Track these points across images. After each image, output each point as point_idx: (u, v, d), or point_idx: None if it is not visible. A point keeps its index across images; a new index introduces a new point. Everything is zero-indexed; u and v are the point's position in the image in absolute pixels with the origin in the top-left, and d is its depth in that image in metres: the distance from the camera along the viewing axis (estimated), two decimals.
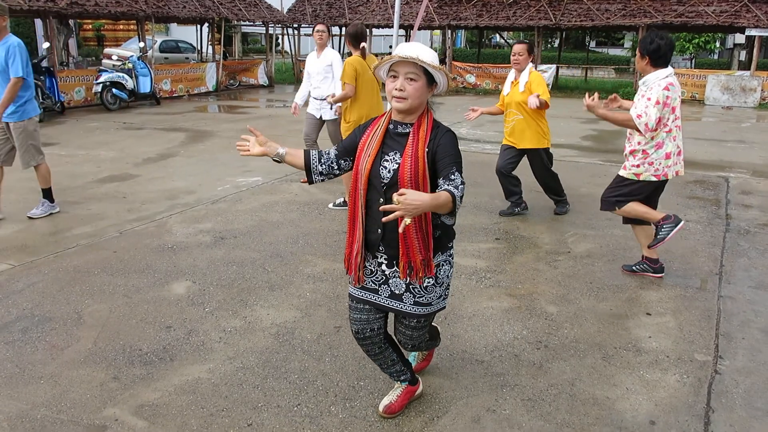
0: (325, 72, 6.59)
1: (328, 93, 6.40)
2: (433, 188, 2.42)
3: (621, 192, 4.49)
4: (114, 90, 13.97)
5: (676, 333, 3.79)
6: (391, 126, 2.51)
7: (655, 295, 4.34)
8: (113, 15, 15.55)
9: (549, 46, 36.63)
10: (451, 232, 2.64)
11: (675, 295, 4.33)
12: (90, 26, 28.55)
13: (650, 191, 4.46)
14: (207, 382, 3.18)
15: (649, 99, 4.15)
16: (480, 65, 20.41)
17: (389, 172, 2.45)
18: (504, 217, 6.08)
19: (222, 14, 18.61)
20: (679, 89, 4.36)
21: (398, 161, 2.43)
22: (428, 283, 2.57)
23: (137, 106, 14.97)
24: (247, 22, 21.34)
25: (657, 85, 4.17)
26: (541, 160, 5.96)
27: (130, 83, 14.26)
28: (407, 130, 2.47)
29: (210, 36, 19.91)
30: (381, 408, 2.91)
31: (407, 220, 2.10)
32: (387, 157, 2.47)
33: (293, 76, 22.83)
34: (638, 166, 4.36)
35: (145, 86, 14.77)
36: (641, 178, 4.37)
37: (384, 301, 2.63)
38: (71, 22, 18.68)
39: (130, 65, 14.60)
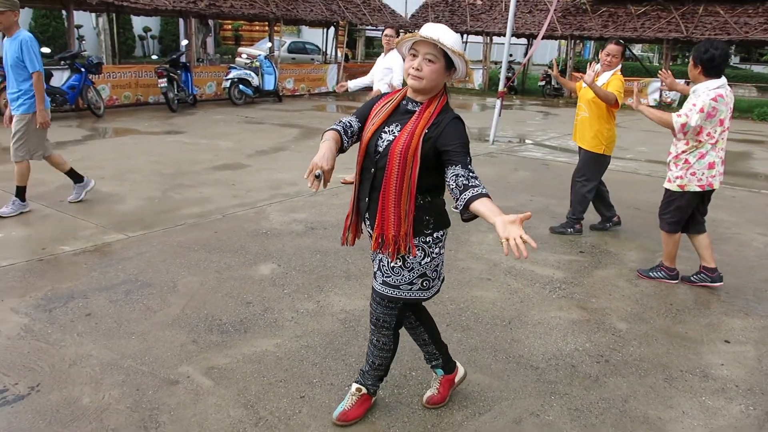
0: (383, 74, 6.89)
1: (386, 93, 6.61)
2: (428, 169, 2.43)
3: (671, 209, 4.54)
4: (241, 86, 14.95)
5: (753, 364, 3.61)
6: (403, 102, 2.54)
7: (739, 323, 4.14)
8: (246, 16, 16.61)
9: (685, 60, 34.63)
10: (437, 220, 2.57)
11: (763, 326, 4.10)
12: (229, 26, 30.50)
13: (697, 201, 4.51)
14: (272, 355, 3.45)
15: (694, 104, 4.18)
16: None
17: (384, 142, 2.47)
18: (595, 230, 5.97)
19: (347, 18, 19.32)
20: (731, 101, 4.30)
21: (396, 134, 2.46)
22: (395, 264, 2.57)
23: (261, 102, 15.90)
24: (371, 27, 21.96)
25: (705, 94, 4.17)
26: (586, 163, 5.71)
27: (255, 80, 15.19)
28: (416, 108, 2.49)
29: (335, 39, 20.71)
30: (424, 400, 3.03)
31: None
32: (387, 129, 2.49)
33: None
34: (681, 177, 4.38)
35: (269, 84, 15.68)
36: (686, 189, 4.43)
37: (373, 277, 2.72)
38: (210, 22, 20.15)
39: (257, 64, 15.56)
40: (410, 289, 2.62)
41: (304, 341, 3.62)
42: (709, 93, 4.19)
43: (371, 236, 2.60)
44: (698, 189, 4.42)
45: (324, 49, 22.48)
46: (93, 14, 20.54)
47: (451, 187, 2.34)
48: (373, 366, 2.88)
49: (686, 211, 4.53)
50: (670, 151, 4.54)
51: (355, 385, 2.92)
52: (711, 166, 4.36)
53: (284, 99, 16.68)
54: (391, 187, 2.46)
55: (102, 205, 6.13)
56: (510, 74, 16.92)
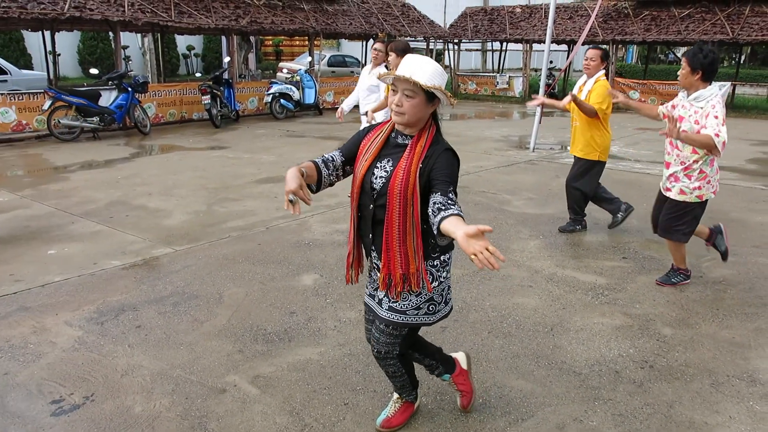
0: (369, 90, 6.60)
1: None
2: (424, 204, 2.37)
3: (687, 219, 4.42)
4: (282, 101, 15.22)
5: None
6: (392, 134, 2.50)
7: None
8: (287, 32, 16.90)
9: (732, 61, 33.70)
10: (447, 247, 2.54)
11: None
12: (270, 42, 31.09)
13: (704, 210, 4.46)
14: (316, 363, 3.51)
15: (716, 117, 4.01)
16: (645, 82, 19.39)
17: (378, 180, 2.43)
18: (564, 233, 6.01)
19: (386, 30, 19.46)
20: None
21: (389, 170, 2.41)
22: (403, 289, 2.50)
23: (301, 115, 16.15)
24: (410, 38, 22.08)
25: (717, 102, 4.05)
26: (580, 170, 5.78)
27: (296, 95, 15.44)
28: (406, 142, 2.45)
29: None
30: (460, 406, 3.02)
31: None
32: (380, 164, 2.45)
33: (450, 90, 23.22)
34: (700, 187, 4.28)
35: (309, 98, 15.92)
36: (704, 198, 4.33)
37: (374, 305, 2.66)
38: (252, 38, 20.58)
39: (298, 78, 15.83)
40: (416, 314, 2.56)
41: (347, 349, 3.67)
42: (719, 99, 4.07)
43: (378, 269, 2.56)
44: (712, 196, 4.36)
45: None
46: (139, 35, 21.21)
47: (429, 213, 2.25)
48: (398, 387, 2.89)
49: (699, 219, 4.49)
50: (669, 161, 4.39)
51: (395, 394, 2.95)
52: (718, 170, 4.34)
53: (324, 112, 16.90)
54: (393, 226, 2.40)
55: (149, 220, 6.33)
56: (550, 81, 16.76)
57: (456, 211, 2.15)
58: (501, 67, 24.40)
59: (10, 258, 5.19)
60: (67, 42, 22.64)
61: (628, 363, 3.53)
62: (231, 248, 5.49)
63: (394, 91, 2.38)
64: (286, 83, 15.56)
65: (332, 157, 2.56)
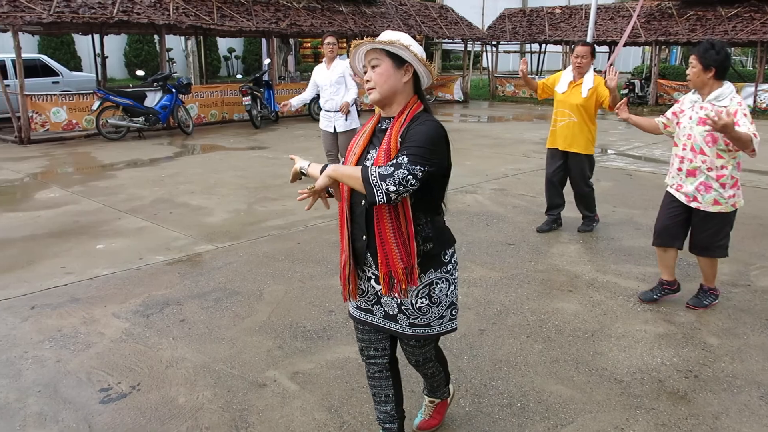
0: (337, 83, 6.55)
1: (340, 103, 6.44)
2: (417, 193, 2.18)
3: (726, 231, 4.12)
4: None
5: None
6: (379, 124, 2.35)
7: None
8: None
9: None
10: (446, 242, 2.39)
11: None
12: (309, 44, 31.39)
13: None
14: (354, 361, 3.54)
15: (745, 115, 3.73)
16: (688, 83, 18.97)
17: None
18: (542, 233, 6.01)
19: (423, 32, 19.47)
20: None
21: (375, 156, 2.24)
22: (422, 303, 2.35)
23: None
24: (448, 40, 22.05)
25: (742, 100, 3.85)
26: (584, 166, 5.84)
27: None
28: (389, 126, 2.26)
29: None
30: (416, 424, 2.92)
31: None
32: (369, 155, 2.29)
33: (488, 92, 23.10)
34: (734, 195, 3.97)
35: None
36: (737, 206, 4.05)
37: (380, 322, 2.46)
38: (291, 40, 20.82)
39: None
40: (441, 323, 2.43)
41: None
42: (740, 99, 3.84)
43: (368, 280, 2.41)
44: (743, 201, 4.07)
45: None
46: (182, 38, 21.68)
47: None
48: (433, 388, 2.86)
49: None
50: (692, 168, 3.99)
51: (427, 398, 2.92)
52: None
53: (361, 113, 16.94)
54: (384, 215, 2.21)
55: (192, 218, 6.47)
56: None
57: (363, 166, 2.12)
58: (540, 69, 24.16)
59: (61, 251, 5.37)
60: (115, 45, 23.26)
61: (671, 372, 3.48)
62: (271, 246, 5.57)
63: (365, 70, 2.28)
64: None
65: (342, 161, 2.49)
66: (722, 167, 3.91)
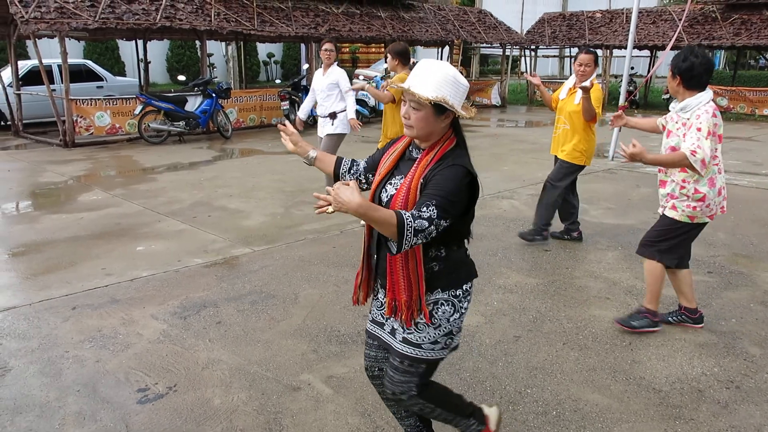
0: (329, 90, 6.47)
1: (331, 110, 6.37)
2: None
3: (670, 238, 3.82)
4: (357, 107, 15.39)
5: None
6: (409, 149, 2.32)
7: None
8: (364, 39, 17.14)
9: None
10: (460, 269, 2.30)
11: None
12: (347, 49, 31.59)
13: (697, 234, 3.85)
14: None
15: (699, 129, 3.47)
16: (734, 88, 18.48)
17: (388, 196, 2.24)
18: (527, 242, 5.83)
19: (462, 37, 19.42)
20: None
21: (398, 185, 2.22)
22: (420, 319, 2.26)
23: (377, 121, 16.26)
24: (486, 45, 21.93)
25: (704, 112, 3.51)
26: (560, 169, 5.64)
27: (371, 101, 15.61)
28: (418, 156, 2.24)
29: (449, 57, 20.86)
30: None
31: (329, 209, 1.98)
32: (392, 180, 2.27)
33: (527, 97, 22.88)
34: (694, 208, 3.70)
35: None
36: (696, 221, 3.75)
37: (385, 336, 2.42)
38: None
39: (373, 85, 15.98)
40: (433, 349, 2.31)
41: None
42: (707, 109, 3.52)
43: (384, 298, 2.37)
44: (707, 220, 3.77)
45: None
46: (223, 43, 22.03)
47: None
48: (456, 425, 2.57)
49: (688, 243, 3.91)
50: (665, 180, 3.84)
51: None
52: (720, 192, 3.73)
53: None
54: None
55: (230, 221, 6.55)
56: (632, 88, 16.25)
57: (399, 211, 1.99)
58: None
59: (102, 253, 5.50)
60: (157, 50, 23.76)
61: (712, 382, 3.38)
62: (307, 250, 5.60)
63: (403, 101, 2.19)
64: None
65: (357, 162, 2.52)
66: (684, 180, 3.70)
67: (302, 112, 7.03)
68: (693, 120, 3.55)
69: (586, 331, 3.99)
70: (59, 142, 11.72)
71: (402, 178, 2.23)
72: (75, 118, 11.64)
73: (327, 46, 6.47)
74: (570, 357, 3.65)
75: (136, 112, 11.74)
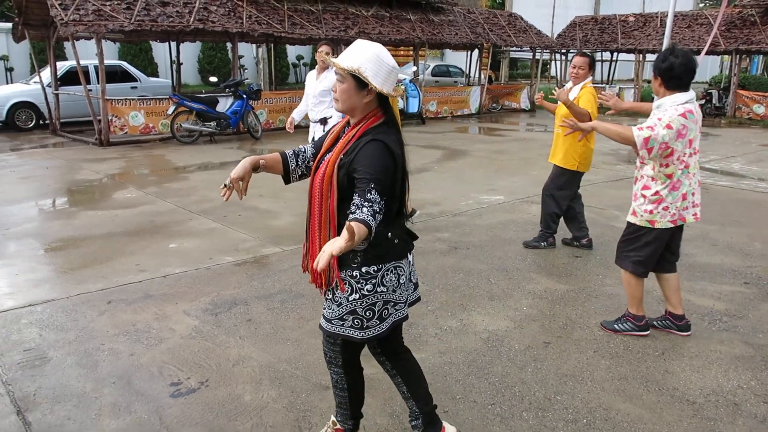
0: (321, 96, 6.06)
1: (323, 116, 6.09)
2: (347, 199, 2.21)
3: (638, 246, 3.84)
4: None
5: None
6: (346, 127, 2.42)
7: None
8: (393, 42, 17.17)
9: None
10: (366, 254, 2.32)
11: None
12: None
13: (668, 238, 3.81)
14: None
15: (659, 119, 3.51)
16: None
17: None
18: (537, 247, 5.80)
19: (491, 40, 19.35)
20: (700, 119, 3.62)
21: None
22: (328, 295, 2.42)
23: (405, 124, 16.30)
24: (515, 48, 21.81)
25: (672, 109, 3.52)
26: (556, 176, 5.61)
27: (400, 103, 15.63)
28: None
29: (479, 61, 20.81)
30: None
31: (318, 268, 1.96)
32: (326, 156, 2.37)
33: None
34: (651, 212, 3.71)
35: (413, 107, 16.08)
36: (657, 225, 3.73)
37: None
38: None
39: (402, 87, 16.01)
40: (342, 325, 2.40)
41: (448, 358, 3.68)
42: (677, 108, 3.51)
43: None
44: (671, 225, 3.73)
45: (467, 72, 22.65)
46: (253, 45, 22.28)
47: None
48: (336, 403, 2.75)
49: (657, 250, 3.84)
50: (636, 177, 3.88)
51: (332, 416, 2.83)
52: (684, 197, 3.68)
53: (427, 121, 17.00)
54: (315, 219, 2.35)
55: (259, 220, 6.63)
56: None
57: (356, 217, 2.05)
58: (611, 78, 23.58)
59: (136, 250, 5.60)
60: (190, 52, 24.12)
61: (749, 396, 3.32)
62: None
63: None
64: None
65: (304, 149, 2.57)
66: (652, 179, 3.72)
67: (297, 114, 6.72)
68: (659, 113, 3.60)
69: (618, 340, 3.95)
70: (95, 140, 11.98)
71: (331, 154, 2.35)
72: (110, 118, 11.89)
73: (323, 48, 5.95)
74: (601, 365, 3.62)
75: (169, 112, 11.94)
